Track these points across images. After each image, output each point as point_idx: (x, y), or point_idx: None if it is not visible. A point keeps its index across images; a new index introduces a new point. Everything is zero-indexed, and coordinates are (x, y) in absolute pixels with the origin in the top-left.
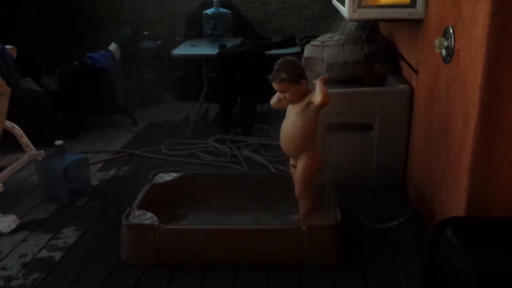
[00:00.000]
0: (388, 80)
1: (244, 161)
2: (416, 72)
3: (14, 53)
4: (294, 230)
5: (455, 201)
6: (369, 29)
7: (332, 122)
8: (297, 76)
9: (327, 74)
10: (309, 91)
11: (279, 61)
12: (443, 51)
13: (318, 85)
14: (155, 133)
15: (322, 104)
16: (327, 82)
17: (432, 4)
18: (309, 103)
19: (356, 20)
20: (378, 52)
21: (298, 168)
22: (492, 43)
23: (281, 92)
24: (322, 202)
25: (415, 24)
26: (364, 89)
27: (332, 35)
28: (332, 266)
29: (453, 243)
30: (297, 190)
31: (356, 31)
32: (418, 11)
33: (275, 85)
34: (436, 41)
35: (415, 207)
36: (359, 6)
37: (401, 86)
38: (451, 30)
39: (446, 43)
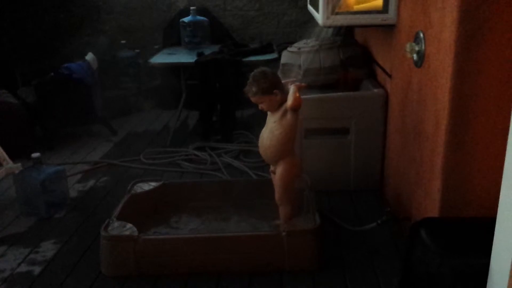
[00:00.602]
0: (363, 84)
1: (225, 168)
2: (389, 76)
3: None
4: (274, 235)
5: (429, 202)
6: (343, 35)
7: (310, 127)
8: (269, 87)
9: (303, 82)
10: (285, 100)
11: (252, 73)
12: (415, 56)
13: (291, 89)
14: (134, 142)
15: (293, 108)
16: (302, 89)
17: (404, 9)
18: (286, 110)
19: (330, 27)
20: (353, 57)
21: (277, 174)
22: (460, 48)
23: (257, 103)
24: (302, 207)
25: (388, 29)
26: (339, 94)
27: (308, 41)
28: (313, 271)
29: (427, 244)
30: (277, 196)
31: (331, 37)
32: (390, 16)
33: (251, 98)
34: (407, 45)
35: (393, 209)
36: (333, 12)
37: (375, 90)
38: (421, 35)
39: (417, 48)
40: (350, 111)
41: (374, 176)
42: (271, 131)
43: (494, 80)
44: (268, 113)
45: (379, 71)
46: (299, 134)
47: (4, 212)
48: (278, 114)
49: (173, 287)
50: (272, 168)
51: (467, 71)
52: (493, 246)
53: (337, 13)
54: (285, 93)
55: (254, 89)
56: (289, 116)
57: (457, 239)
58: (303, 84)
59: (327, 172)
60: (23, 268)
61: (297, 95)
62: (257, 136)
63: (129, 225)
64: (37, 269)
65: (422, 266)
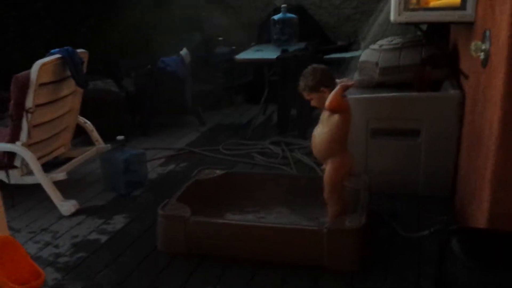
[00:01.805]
0: (444, 85)
1: (295, 163)
2: (466, 77)
3: (85, 57)
4: (315, 231)
5: (480, 214)
6: (428, 33)
7: (377, 127)
8: (316, 84)
9: (354, 81)
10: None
11: (305, 71)
12: (481, 55)
13: (335, 89)
14: (219, 133)
15: (328, 109)
16: (349, 88)
17: (480, 7)
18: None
19: (404, 23)
20: (435, 56)
21: (326, 172)
22: None
23: (308, 99)
24: (356, 206)
25: (469, 27)
26: (411, 93)
27: (392, 38)
28: (352, 271)
29: (456, 254)
30: (325, 194)
31: (419, 35)
32: (468, 13)
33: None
34: (472, 44)
35: (458, 218)
36: (406, 8)
37: (452, 91)
38: (487, 34)
39: (483, 47)
40: (421, 112)
41: (445, 183)
42: (321, 129)
43: None
44: (322, 110)
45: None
46: (365, 133)
47: (91, 187)
48: (327, 113)
49: (214, 269)
50: (323, 166)
51: None
52: None
53: (410, 10)
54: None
55: (301, 85)
56: (335, 115)
57: (488, 252)
58: (350, 82)
59: (394, 175)
60: (93, 236)
61: (336, 96)
62: None
63: (184, 207)
64: (104, 238)
65: (453, 277)
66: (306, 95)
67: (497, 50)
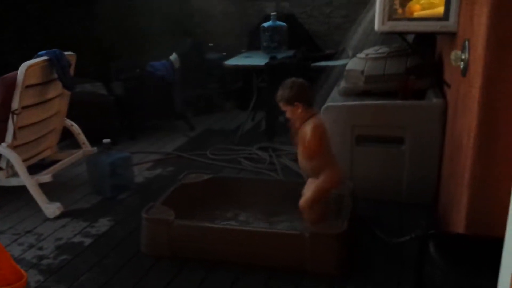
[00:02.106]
0: (428, 94)
1: (282, 169)
2: (449, 86)
3: (73, 59)
4: (297, 235)
5: (459, 219)
6: (417, 42)
7: (362, 134)
8: (291, 98)
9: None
10: (311, 116)
11: (284, 82)
12: (461, 64)
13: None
14: (208, 138)
15: (308, 155)
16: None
17: (461, 17)
18: (305, 132)
19: (387, 33)
20: (419, 66)
21: (318, 182)
22: (489, 57)
23: (283, 110)
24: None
25: (452, 37)
26: (395, 102)
27: (379, 47)
28: (334, 275)
29: (433, 258)
30: (306, 202)
31: (405, 45)
32: (450, 24)
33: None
34: (452, 54)
35: (441, 224)
36: (390, 18)
37: (435, 100)
38: (467, 43)
39: (462, 56)
40: (405, 120)
41: (428, 190)
42: (300, 148)
43: None
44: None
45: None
46: (350, 140)
47: (76, 190)
48: (302, 130)
49: (198, 272)
50: (311, 179)
51: (497, 81)
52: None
53: (394, 19)
54: (311, 112)
55: (279, 95)
56: (306, 131)
57: (464, 257)
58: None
59: (378, 181)
60: (77, 238)
61: (315, 141)
62: None
63: (169, 210)
64: (88, 241)
65: (429, 281)
66: (282, 106)
67: (475, 60)
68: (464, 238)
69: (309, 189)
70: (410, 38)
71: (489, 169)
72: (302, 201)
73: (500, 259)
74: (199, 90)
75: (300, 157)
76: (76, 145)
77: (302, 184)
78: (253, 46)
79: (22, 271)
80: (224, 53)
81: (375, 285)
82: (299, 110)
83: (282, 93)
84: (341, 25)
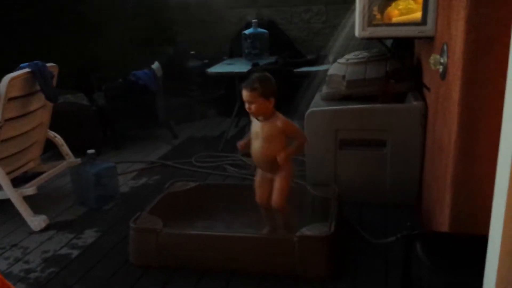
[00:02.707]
0: (407, 97)
1: None
2: (428, 89)
3: (55, 71)
4: (286, 240)
5: (442, 219)
6: (393, 47)
7: (345, 138)
8: (269, 93)
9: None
10: (274, 113)
11: (258, 74)
12: (440, 68)
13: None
14: (192, 146)
15: (277, 206)
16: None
17: (439, 22)
18: (275, 127)
19: (367, 38)
20: (399, 70)
21: (281, 180)
22: (467, 60)
23: (248, 102)
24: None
25: (430, 41)
26: (376, 105)
27: (359, 53)
28: (323, 278)
29: (420, 258)
30: (277, 203)
31: (384, 49)
32: (428, 28)
33: (245, 93)
34: (431, 58)
35: (424, 225)
36: (370, 24)
37: (414, 103)
38: (445, 47)
39: (441, 60)
40: (387, 124)
41: (411, 191)
42: (262, 143)
43: (503, 94)
44: (256, 120)
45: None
46: (334, 144)
47: (61, 202)
48: (268, 126)
49: (188, 280)
50: (269, 175)
51: (475, 84)
52: (486, 264)
53: (374, 25)
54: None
55: (256, 85)
56: (272, 126)
57: (450, 255)
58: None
59: (361, 184)
60: (64, 251)
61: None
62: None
63: (156, 219)
64: (75, 253)
65: (417, 280)
66: (251, 97)
67: (453, 63)
68: (450, 236)
69: (266, 186)
70: (389, 42)
71: (471, 170)
72: (278, 200)
73: (485, 256)
74: (181, 98)
75: (262, 152)
76: (59, 157)
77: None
78: (234, 53)
79: (10, 284)
80: (206, 61)
81: (364, 286)
82: (271, 106)
83: (258, 85)
84: (321, 30)
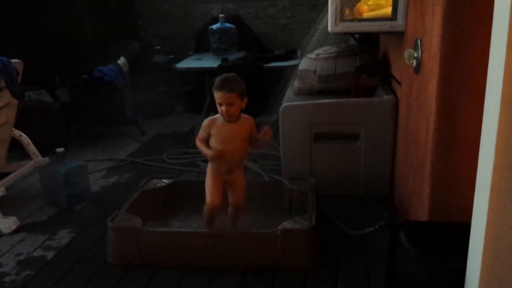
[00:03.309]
0: (377, 91)
1: None
2: (399, 83)
3: (20, 67)
4: (269, 234)
5: (420, 208)
6: (359, 42)
7: (319, 132)
8: (244, 92)
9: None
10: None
11: (228, 74)
12: (414, 62)
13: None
14: (161, 143)
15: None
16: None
17: (410, 17)
18: (249, 126)
19: (338, 34)
20: (368, 64)
21: (241, 180)
22: (445, 53)
23: (227, 103)
24: (304, 208)
25: (399, 36)
26: (349, 99)
27: (328, 48)
28: (306, 270)
29: (405, 246)
30: (242, 199)
31: (350, 45)
32: (398, 23)
33: (222, 94)
34: (406, 52)
35: (399, 215)
36: (341, 19)
37: (385, 97)
38: (419, 42)
39: (415, 54)
40: (359, 117)
41: (383, 182)
42: (245, 141)
43: (480, 86)
44: (223, 120)
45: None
46: (309, 138)
47: (30, 202)
48: (241, 126)
49: (170, 278)
50: (227, 177)
51: (453, 77)
52: (469, 250)
53: (345, 20)
54: None
55: (233, 85)
56: (237, 126)
57: (434, 243)
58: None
59: (336, 177)
60: (38, 252)
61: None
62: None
63: (135, 218)
64: (50, 255)
65: (402, 268)
66: (233, 98)
67: (429, 57)
68: (432, 225)
69: (220, 188)
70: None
71: (449, 160)
72: (244, 197)
73: (468, 243)
74: (147, 94)
75: (241, 153)
76: (24, 156)
77: (265, 184)
78: (200, 48)
79: None
80: (172, 56)
81: (346, 277)
82: (243, 105)
83: (235, 85)
84: (286, 26)
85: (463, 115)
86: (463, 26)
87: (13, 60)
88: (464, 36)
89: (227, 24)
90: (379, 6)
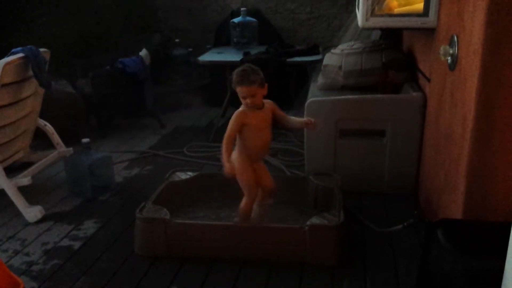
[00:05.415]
0: (404, 88)
1: None
2: (428, 80)
3: (47, 56)
4: (297, 229)
5: (454, 206)
6: (385, 38)
7: (345, 128)
8: (263, 81)
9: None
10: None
11: (243, 66)
12: (449, 59)
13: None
14: (180, 136)
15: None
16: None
17: (443, 13)
18: (271, 110)
19: (369, 28)
20: (395, 60)
21: (262, 163)
22: (487, 51)
23: (249, 96)
24: (330, 204)
25: (429, 32)
26: (377, 96)
27: (353, 43)
28: (333, 267)
29: (442, 244)
30: (273, 183)
31: (376, 40)
32: (430, 20)
33: (244, 89)
34: (441, 48)
35: (424, 213)
36: (372, 14)
37: (414, 94)
38: (455, 39)
39: (451, 51)
40: (386, 114)
41: (408, 180)
42: (269, 124)
43: None
44: (250, 110)
45: (420, 75)
46: (334, 134)
47: (54, 192)
48: (265, 112)
49: (198, 270)
50: (255, 165)
51: (494, 74)
52: (508, 249)
53: (376, 16)
54: None
55: (252, 77)
56: (265, 112)
57: (472, 241)
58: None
59: (361, 174)
60: (65, 242)
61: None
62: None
63: (162, 209)
64: (77, 244)
65: (437, 266)
66: (255, 90)
67: (467, 54)
68: (470, 223)
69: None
70: (376, 34)
71: (486, 159)
72: (273, 182)
73: (507, 242)
74: (166, 86)
75: (266, 138)
76: (46, 146)
77: (290, 179)
78: (219, 42)
79: (18, 278)
80: (191, 49)
81: (374, 274)
82: (265, 92)
83: (254, 77)
84: (306, 21)
85: (502, 112)
86: (506, 23)
87: (41, 49)
88: (506, 34)
89: (249, 18)
90: (410, 2)
